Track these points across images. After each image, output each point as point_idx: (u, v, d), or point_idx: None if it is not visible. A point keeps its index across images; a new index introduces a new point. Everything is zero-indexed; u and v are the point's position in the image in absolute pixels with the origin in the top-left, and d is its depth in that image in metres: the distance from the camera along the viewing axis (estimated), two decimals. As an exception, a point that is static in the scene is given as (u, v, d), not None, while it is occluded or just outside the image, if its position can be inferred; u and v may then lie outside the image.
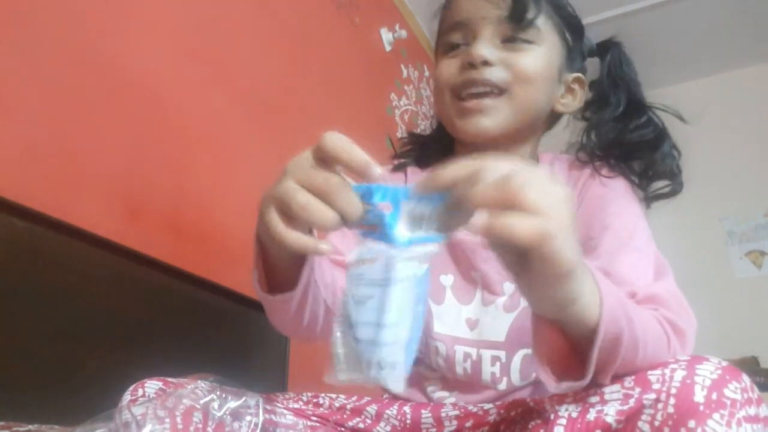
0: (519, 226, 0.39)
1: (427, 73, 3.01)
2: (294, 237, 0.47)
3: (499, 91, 0.73)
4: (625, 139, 0.77)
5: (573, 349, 0.50)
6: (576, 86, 0.82)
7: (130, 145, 1.22)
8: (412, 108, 2.79)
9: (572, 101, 0.82)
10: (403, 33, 2.71)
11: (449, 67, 0.77)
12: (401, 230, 0.43)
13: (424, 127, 2.61)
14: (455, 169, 0.43)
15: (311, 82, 1.97)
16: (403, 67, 2.80)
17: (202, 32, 1.49)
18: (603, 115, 0.80)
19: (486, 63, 0.72)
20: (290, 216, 0.46)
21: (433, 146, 0.89)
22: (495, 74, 0.73)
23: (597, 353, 0.46)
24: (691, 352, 0.57)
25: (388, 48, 2.65)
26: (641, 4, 2.79)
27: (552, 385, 0.49)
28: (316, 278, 0.61)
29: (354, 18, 2.36)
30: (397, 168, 0.88)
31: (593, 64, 0.86)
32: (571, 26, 0.79)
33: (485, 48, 0.72)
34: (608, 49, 0.84)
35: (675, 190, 0.77)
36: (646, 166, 0.77)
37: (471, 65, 0.73)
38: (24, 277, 0.91)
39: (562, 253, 0.41)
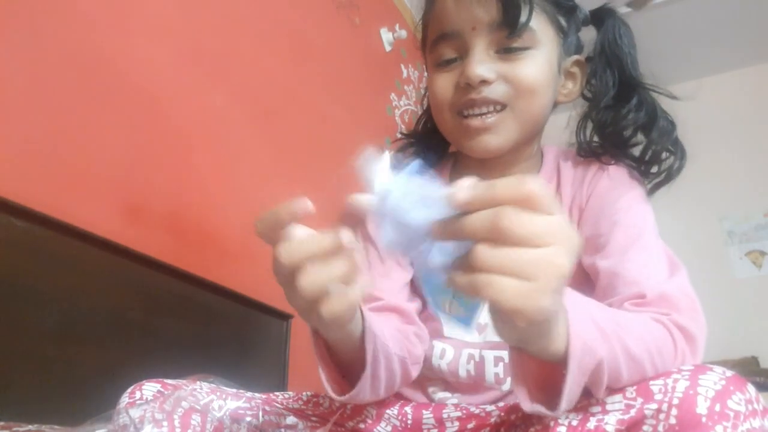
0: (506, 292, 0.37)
1: (426, 73, 3.01)
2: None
3: (501, 107, 0.70)
4: (620, 126, 0.74)
5: (549, 373, 0.47)
6: (575, 69, 0.78)
7: (130, 145, 1.22)
8: (412, 108, 2.78)
9: (573, 87, 0.78)
10: (403, 33, 2.71)
11: (445, 83, 0.72)
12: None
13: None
14: (474, 222, 0.38)
15: (311, 82, 1.97)
16: (403, 67, 2.80)
17: (202, 32, 1.49)
18: (596, 103, 0.76)
19: (484, 82, 0.68)
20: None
21: (433, 145, 0.86)
22: (495, 91, 0.69)
23: (569, 388, 0.44)
24: (702, 357, 0.55)
25: (388, 48, 2.64)
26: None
27: (526, 405, 0.46)
28: (378, 346, 0.58)
29: (354, 18, 2.36)
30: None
31: (587, 35, 0.80)
32: (562, 8, 0.74)
33: (481, 66, 0.68)
34: (603, 19, 0.78)
35: (680, 166, 0.74)
36: (644, 148, 0.74)
37: (468, 85, 0.69)
38: (24, 277, 0.91)
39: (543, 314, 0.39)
